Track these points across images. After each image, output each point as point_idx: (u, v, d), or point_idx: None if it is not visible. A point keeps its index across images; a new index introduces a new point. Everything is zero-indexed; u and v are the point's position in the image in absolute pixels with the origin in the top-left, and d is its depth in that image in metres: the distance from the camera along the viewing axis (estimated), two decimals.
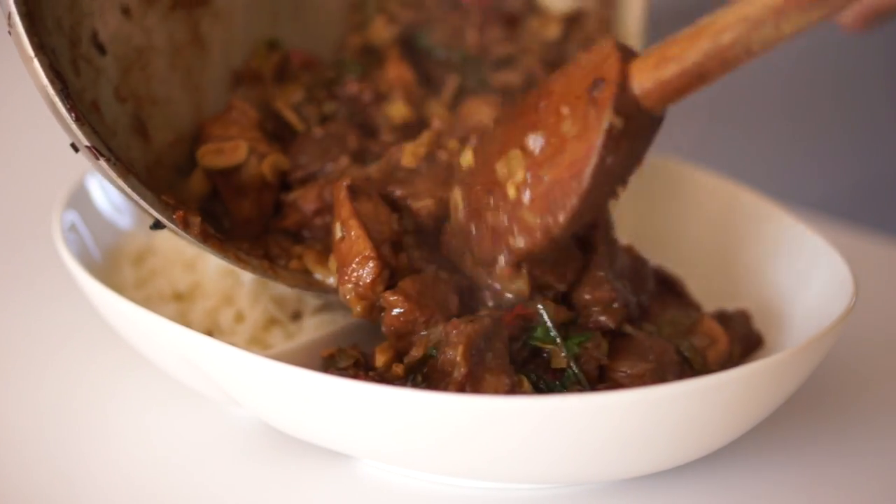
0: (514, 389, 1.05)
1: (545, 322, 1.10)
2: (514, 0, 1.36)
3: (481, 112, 1.24)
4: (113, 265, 1.32)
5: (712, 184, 1.37)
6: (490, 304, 1.13)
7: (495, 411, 0.98)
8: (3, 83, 1.69)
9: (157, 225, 1.14)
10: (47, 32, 1.09)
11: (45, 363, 1.30)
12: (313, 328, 1.25)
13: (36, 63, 1.06)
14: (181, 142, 1.24)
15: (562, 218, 1.04)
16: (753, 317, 1.23)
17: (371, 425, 1.03)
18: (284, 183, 1.23)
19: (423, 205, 1.16)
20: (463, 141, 1.19)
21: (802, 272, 1.23)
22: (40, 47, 1.06)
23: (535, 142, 1.05)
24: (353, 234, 1.12)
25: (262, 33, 1.32)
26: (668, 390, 0.98)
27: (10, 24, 1.05)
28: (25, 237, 1.52)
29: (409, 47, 1.33)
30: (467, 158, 1.12)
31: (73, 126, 1.08)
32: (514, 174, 1.06)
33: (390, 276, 1.12)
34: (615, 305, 1.13)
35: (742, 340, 1.19)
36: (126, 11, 1.20)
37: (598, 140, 1.00)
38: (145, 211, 1.12)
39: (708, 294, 1.27)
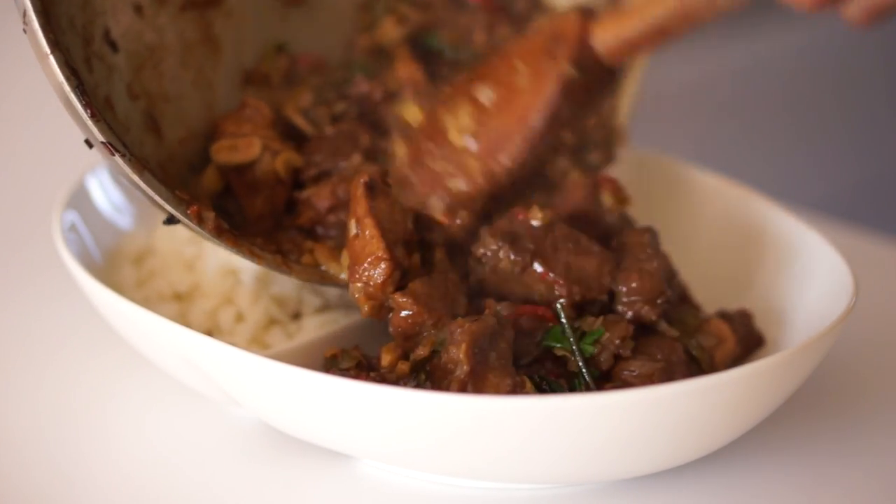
0: (516, 390, 1.05)
1: (563, 323, 1.10)
2: (521, 0, 1.36)
3: None
4: (113, 265, 1.32)
5: (712, 184, 1.37)
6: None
7: (495, 411, 0.98)
8: (3, 83, 1.69)
9: (170, 220, 1.14)
10: (61, 31, 1.10)
11: (45, 363, 1.30)
12: (313, 328, 1.25)
13: (52, 60, 1.06)
14: (193, 139, 1.24)
15: (505, 160, 1.05)
16: (754, 316, 1.23)
17: (371, 425, 1.03)
18: (297, 181, 1.23)
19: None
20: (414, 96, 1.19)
21: (802, 272, 1.23)
22: (56, 44, 1.06)
23: (484, 93, 1.06)
24: (367, 233, 1.12)
25: (272, 33, 1.32)
26: (668, 390, 0.98)
27: (26, 21, 1.06)
28: (25, 237, 1.52)
29: (418, 48, 1.33)
30: (412, 112, 1.13)
31: (89, 122, 1.08)
32: (459, 122, 1.07)
33: (401, 277, 1.12)
34: (660, 301, 1.13)
35: (743, 340, 1.19)
36: (138, 10, 1.21)
37: (551, 89, 1.02)
38: (159, 206, 1.12)
39: (708, 294, 1.26)
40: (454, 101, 1.07)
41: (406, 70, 1.30)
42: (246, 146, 1.21)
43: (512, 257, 1.12)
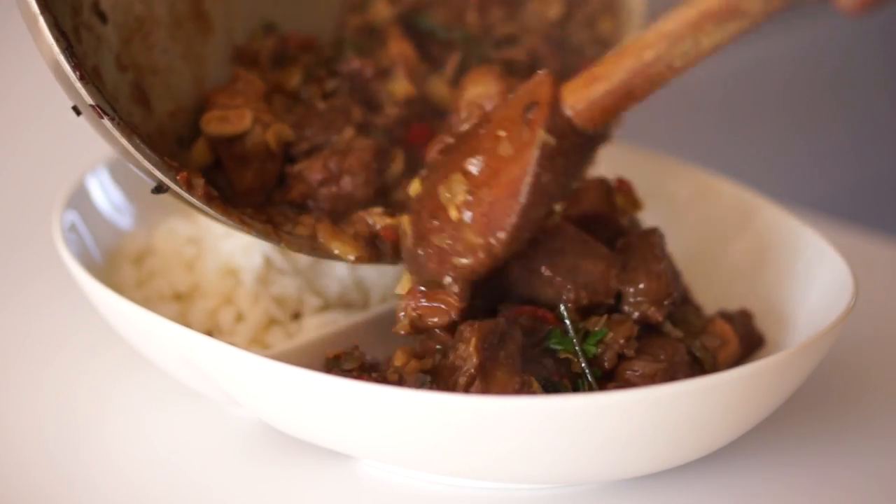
0: (524, 389, 1.05)
1: (566, 325, 1.10)
2: None
3: (483, 82, 1.24)
4: (113, 265, 1.32)
5: (711, 184, 1.37)
6: None
7: (496, 411, 0.98)
8: (3, 83, 1.69)
9: (158, 189, 1.12)
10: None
11: (45, 363, 1.30)
12: (313, 328, 1.25)
13: (41, 21, 1.05)
14: (182, 112, 1.23)
15: (502, 236, 1.06)
16: (755, 316, 1.23)
17: (371, 425, 1.03)
18: (288, 157, 1.22)
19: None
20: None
21: (802, 272, 1.23)
22: (45, 6, 1.05)
23: (474, 165, 1.08)
24: (455, 288, 1.10)
25: (263, 11, 1.32)
26: (668, 390, 0.98)
27: None
28: (25, 237, 1.52)
29: (410, 28, 1.33)
30: (415, 187, 1.14)
31: (78, 84, 1.07)
32: (455, 196, 1.09)
33: None
34: (666, 302, 1.13)
35: (743, 340, 1.19)
36: None
37: (532, 158, 1.04)
38: (148, 174, 1.11)
39: (708, 294, 1.27)
40: (449, 174, 1.08)
41: (398, 47, 1.29)
42: (237, 117, 1.20)
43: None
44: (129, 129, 1.09)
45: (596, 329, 1.10)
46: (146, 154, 1.10)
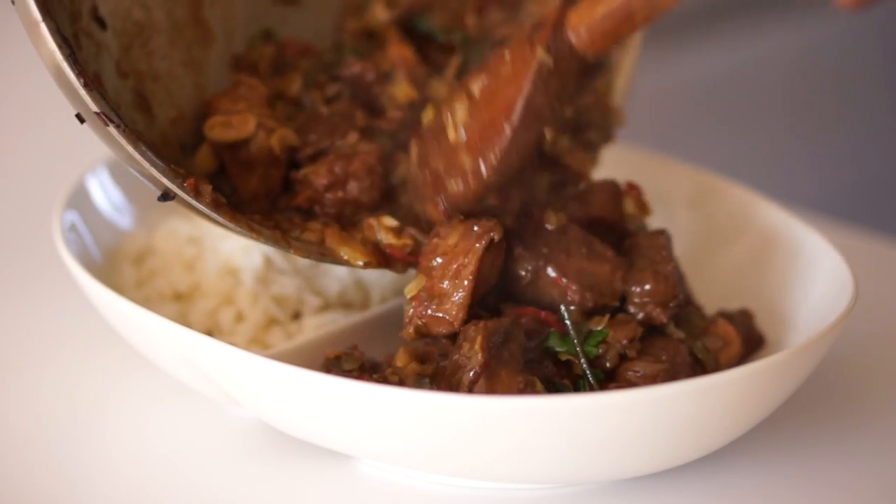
0: (527, 389, 1.05)
1: (567, 326, 1.10)
2: None
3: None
4: (113, 265, 1.32)
5: (711, 184, 1.37)
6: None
7: (495, 411, 0.98)
8: (3, 84, 1.70)
9: (165, 196, 1.11)
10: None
11: (45, 363, 1.30)
12: (313, 328, 1.25)
13: (43, 27, 1.05)
14: (184, 119, 1.23)
15: (492, 158, 1.05)
16: (755, 316, 1.23)
17: (371, 425, 1.03)
18: (293, 163, 1.22)
19: None
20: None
21: (802, 272, 1.23)
22: (47, 11, 1.05)
23: (476, 86, 1.07)
24: (457, 290, 1.10)
25: (263, 16, 1.32)
26: (668, 390, 0.98)
27: None
28: (25, 237, 1.52)
29: (409, 32, 1.33)
30: (428, 114, 1.13)
31: (82, 92, 1.06)
32: (455, 117, 1.08)
33: None
34: (672, 304, 1.13)
35: (744, 340, 1.19)
36: None
37: (526, 76, 1.03)
38: (154, 181, 1.11)
39: (708, 294, 1.27)
40: (455, 95, 1.08)
41: (397, 50, 1.29)
42: (240, 122, 1.19)
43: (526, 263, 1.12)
44: (135, 136, 1.09)
45: (598, 329, 1.10)
46: (153, 161, 1.09)
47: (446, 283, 1.09)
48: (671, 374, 1.09)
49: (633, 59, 1.36)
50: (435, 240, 1.11)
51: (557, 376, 1.09)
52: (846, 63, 2.61)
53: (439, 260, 1.11)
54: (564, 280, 1.11)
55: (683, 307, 1.17)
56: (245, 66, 1.29)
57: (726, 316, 1.20)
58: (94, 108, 1.07)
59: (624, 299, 1.14)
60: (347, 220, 1.20)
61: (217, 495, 1.12)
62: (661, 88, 2.17)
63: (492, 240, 1.09)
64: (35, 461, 1.16)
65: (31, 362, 1.31)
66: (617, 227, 1.19)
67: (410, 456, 1.06)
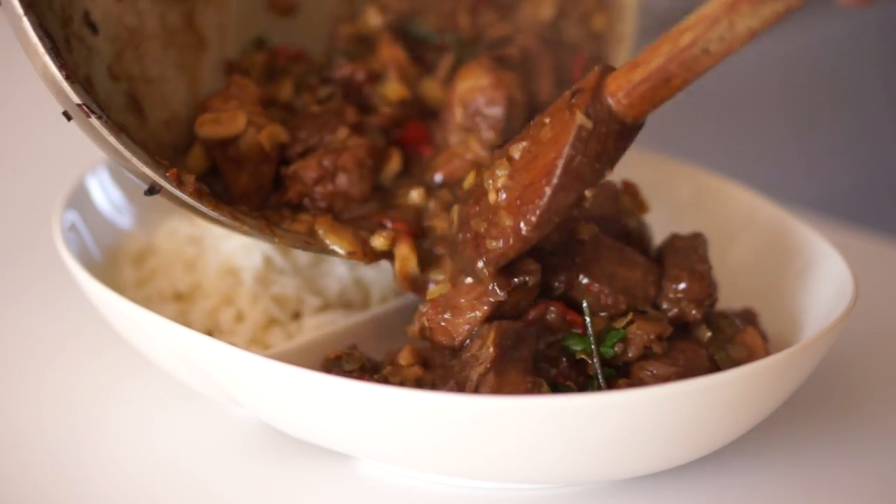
0: (534, 391, 1.05)
1: (586, 322, 1.10)
2: None
3: (474, 75, 1.24)
4: (113, 265, 1.32)
5: (711, 184, 1.37)
6: None
7: (495, 411, 0.98)
8: (3, 84, 1.70)
9: (151, 190, 1.12)
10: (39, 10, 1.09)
11: (46, 363, 1.30)
12: (313, 328, 1.25)
13: (25, 21, 1.05)
14: (177, 121, 1.23)
15: (532, 218, 1.06)
16: (759, 316, 1.23)
17: (371, 425, 1.03)
18: (283, 160, 1.22)
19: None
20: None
21: (802, 272, 1.23)
22: (29, 6, 1.05)
23: (517, 150, 1.09)
24: (472, 313, 1.10)
25: (256, 22, 1.32)
26: (668, 390, 0.98)
27: None
28: (26, 237, 1.52)
29: (403, 36, 1.33)
30: (470, 179, 1.15)
31: (64, 84, 1.06)
32: (496, 181, 1.10)
33: None
34: (707, 303, 1.14)
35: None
36: None
37: (568, 141, 1.04)
38: (138, 174, 1.11)
39: None
40: (497, 161, 1.10)
41: (388, 51, 1.30)
42: (229, 119, 1.20)
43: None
44: (117, 127, 1.09)
45: (617, 329, 1.10)
46: (135, 151, 1.10)
47: (463, 300, 1.10)
48: (683, 378, 1.09)
49: (629, 57, 1.36)
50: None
51: (572, 375, 1.09)
52: (846, 63, 2.61)
53: (469, 279, 1.11)
54: (597, 285, 1.12)
55: (715, 314, 1.17)
56: (238, 73, 1.29)
57: (758, 328, 1.19)
58: (76, 100, 1.07)
59: (655, 304, 1.14)
60: (339, 215, 1.20)
61: (217, 495, 1.12)
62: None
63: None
64: (36, 461, 1.16)
65: (32, 362, 1.31)
66: (616, 225, 1.19)
67: (410, 456, 1.06)
